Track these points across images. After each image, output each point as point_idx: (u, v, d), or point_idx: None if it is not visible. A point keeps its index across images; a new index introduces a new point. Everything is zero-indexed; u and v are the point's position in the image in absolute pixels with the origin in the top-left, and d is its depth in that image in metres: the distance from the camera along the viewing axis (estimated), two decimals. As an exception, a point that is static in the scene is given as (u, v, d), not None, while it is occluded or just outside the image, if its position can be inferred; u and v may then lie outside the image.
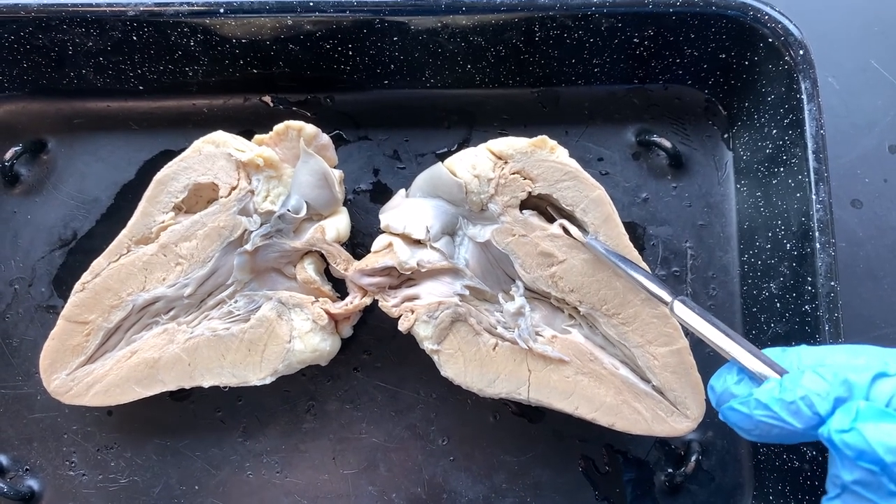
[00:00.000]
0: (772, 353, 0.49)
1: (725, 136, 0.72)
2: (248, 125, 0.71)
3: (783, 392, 0.45)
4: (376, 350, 0.69)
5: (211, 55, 0.68)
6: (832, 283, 0.59)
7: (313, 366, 0.66)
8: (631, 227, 0.70)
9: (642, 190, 0.71)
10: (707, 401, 0.60)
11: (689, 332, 0.65)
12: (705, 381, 0.60)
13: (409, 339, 0.64)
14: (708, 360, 0.67)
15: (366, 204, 0.71)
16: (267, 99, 0.72)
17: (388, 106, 0.72)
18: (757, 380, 0.47)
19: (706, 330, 0.51)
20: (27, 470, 0.67)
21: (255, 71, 0.70)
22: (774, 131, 0.65)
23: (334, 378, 0.68)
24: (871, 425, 0.41)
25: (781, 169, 0.64)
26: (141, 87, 0.72)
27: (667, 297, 0.54)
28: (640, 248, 0.70)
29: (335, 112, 0.72)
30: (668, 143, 0.70)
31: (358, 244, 0.70)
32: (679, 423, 0.60)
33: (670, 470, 0.67)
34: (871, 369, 0.44)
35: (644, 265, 0.60)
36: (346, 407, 0.68)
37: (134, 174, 0.71)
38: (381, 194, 0.71)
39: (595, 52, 0.68)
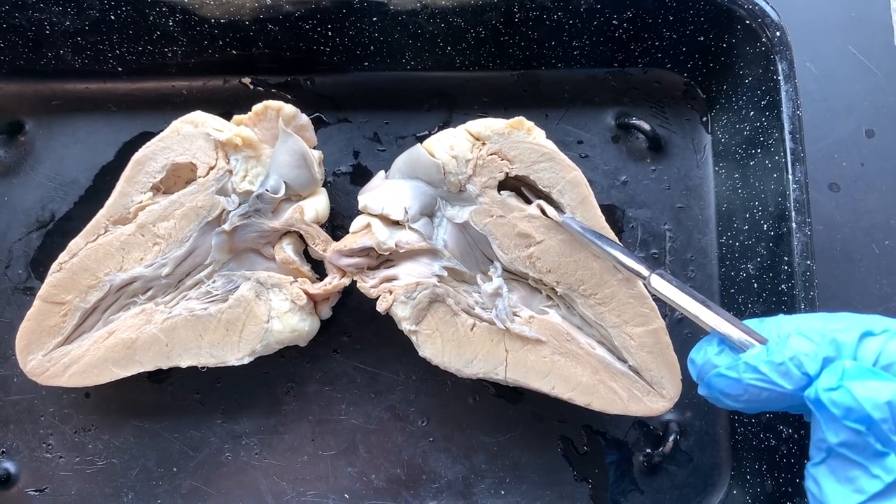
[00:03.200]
0: (750, 323, 0.49)
1: (704, 119, 0.72)
2: (228, 107, 0.71)
3: (771, 354, 0.45)
4: (356, 332, 0.69)
5: (190, 36, 0.68)
6: (808, 263, 0.60)
7: (293, 348, 0.66)
8: (610, 210, 0.70)
9: (621, 173, 0.71)
10: (684, 381, 0.61)
11: (667, 312, 0.66)
12: (682, 362, 0.61)
13: (389, 322, 0.64)
14: (686, 340, 0.67)
15: (346, 186, 0.71)
16: (246, 81, 0.72)
17: (368, 88, 0.72)
18: (738, 349, 0.47)
19: (684, 302, 0.50)
20: (3, 452, 0.67)
21: (234, 52, 0.70)
22: (752, 113, 0.66)
23: (314, 360, 0.68)
24: (859, 383, 0.42)
25: (759, 150, 0.65)
26: (120, 69, 0.71)
27: (644, 271, 0.54)
28: (619, 231, 0.70)
29: (315, 94, 0.72)
30: (647, 126, 0.70)
31: (338, 226, 0.70)
32: (655, 402, 0.60)
33: (648, 450, 0.67)
34: (858, 329, 0.44)
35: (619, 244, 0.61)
36: (325, 389, 0.68)
37: (113, 156, 0.71)
38: (361, 177, 0.71)
39: (574, 35, 0.69)
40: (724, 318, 0.49)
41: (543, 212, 0.61)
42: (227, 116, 0.64)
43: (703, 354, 0.49)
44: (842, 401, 0.42)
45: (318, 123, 0.71)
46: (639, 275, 0.54)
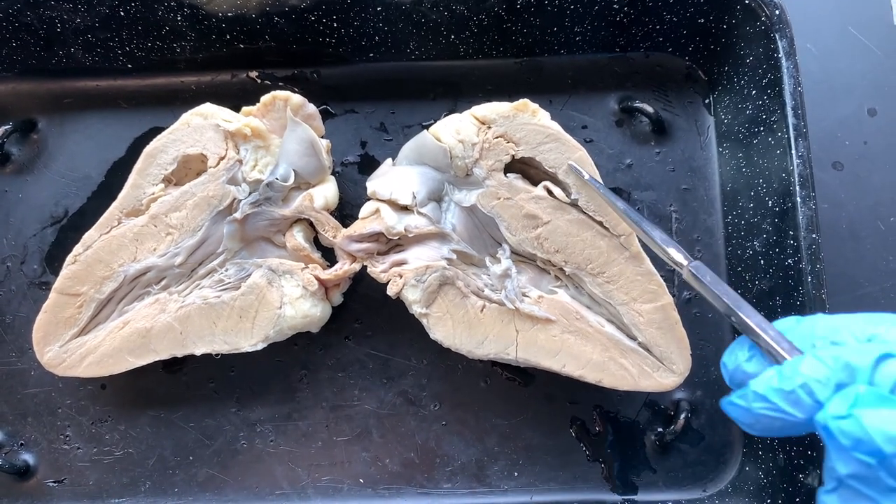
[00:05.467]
0: (786, 323, 0.46)
1: (706, 101, 0.73)
2: (236, 101, 0.71)
3: (782, 381, 0.42)
4: (367, 318, 0.69)
5: (198, 30, 0.69)
6: (813, 236, 0.60)
7: (305, 335, 0.67)
8: (616, 193, 0.71)
9: (626, 156, 0.72)
10: (693, 357, 0.62)
11: (675, 290, 0.67)
12: (691, 337, 0.62)
13: (400, 308, 0.65)
14: (695, 320, 0.68)
15: (354, 176, 0.72)
16: (254, 74, 0.73)
17: (373, 79, 0.73)
18: (769, 357, 0.45)
19: (712, 298, 0.48)
20: (22, 445, 0.68)
21: (241, 46, 0.71)
22: (754, 92, 0.66)
23: (326, 347, 0.69)
24: (871, 412, 0.38)
25: (762, 129, 0.65)
26: (129, 66, 0.73)
27: (683, 260, 0.51)
28: (626, 213, 0.71)
29: (321, 86, 0.73)
30: (650, 109, 0.71)
31: (346, 215, 0.71)
32: (665, 377, 0.61)
33: (660, 429, 0.67)
34: (877, 351, 0.40)
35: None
36: (338, 375, 0.69)
37: (124, 151, 0.72)
38: (369, 166, 0.72)
39: (576, 20, 0.69)
40: (755, 321, 0.45)
41: (550, 192, 0.62)
42: (236, 110, 0.65)
43: (734, 359, 0.47)
44: (851, 431, 0.38)
45: (325, 115, 0.72)
46: (676, 264, 0.52)
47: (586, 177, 0.61)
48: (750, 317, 0.46)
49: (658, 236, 0.54)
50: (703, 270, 0.49)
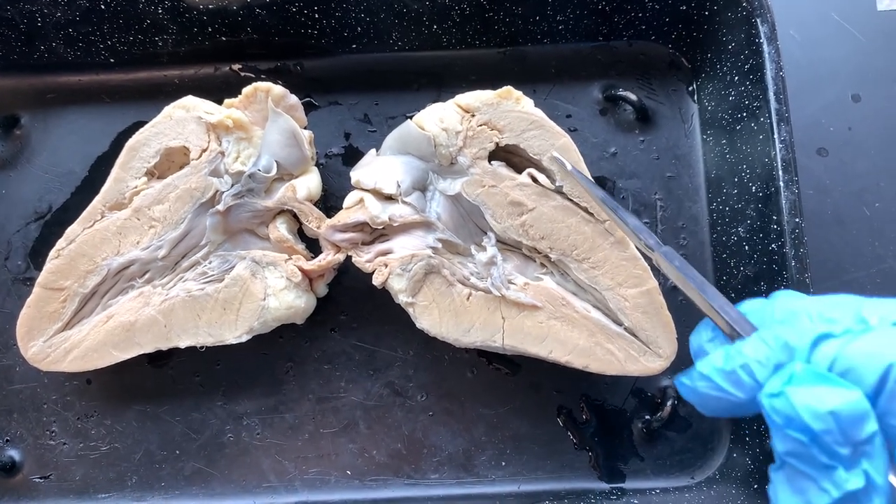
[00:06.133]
0: (751, 304, 0.46)
1: (690, 88, 0.73)
2: (219, 94, 0.71)
3: (725, 361, 0.42)
4: (352, 310, 0.69)
5: (179, 23, 0.69)
6: (797, 220, 0.60)
7: (290, 327, 0.67)
8: (600, 182, 0.71)
9: (610, 145, 0.72)
10: (680, 342, 0.61)
11: (661, 278, 0.67)
12: (677, 324, 0.62)
13: (386, 299, 0.64)
14: (681, 307, 0.68)
15: (338, 167, 0.72)
16: (237, 67, 0.73)
17: (356, 70, 0.73)
18: (728, 337, 0.45)
19: (682, 283, 0.48)
20: (7, 441, 0.67)
21: (223, 39, 0.71)
22: (737, 78, 0.67)
23: (312, 339, 0.69)
24: (801, 389, 0.38)
25: (745, 114, 0.65)
26: (112, 60, 0.72)
27: (654, 245, 0.51)
28: (611, 202, 0.71)
29: (305, 78, 0.73)
30: (633, 97, 0.71)
31: (331, 207, 0.71)
32: (652, 361, 0.61)
33: (647, 417, 0.67)
34: (816, 331, 0.40)
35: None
36: (324, 367, 0.68)
37: (108, 146, 0.72)
38: (353, 157, 0.72)
39: (558, 8, 0.69)
40: (717, 304, 0.45)
41: (535, 179, 0.62)
42: (220, 103, 0.65)
43: (698, 339, 0.48)
44: (782, 408, 0.38)
45: (308, 107, 0.72)
46: (647, 249, 0.52)
47: (569, 167, 0.60)
48: (712, 298, 0.46)
49: (632, 223, 0.54)
50: (671, 255, 0.49)
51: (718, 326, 0.46)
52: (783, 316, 0.43)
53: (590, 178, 0.62)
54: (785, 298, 0.45)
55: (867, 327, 0.39)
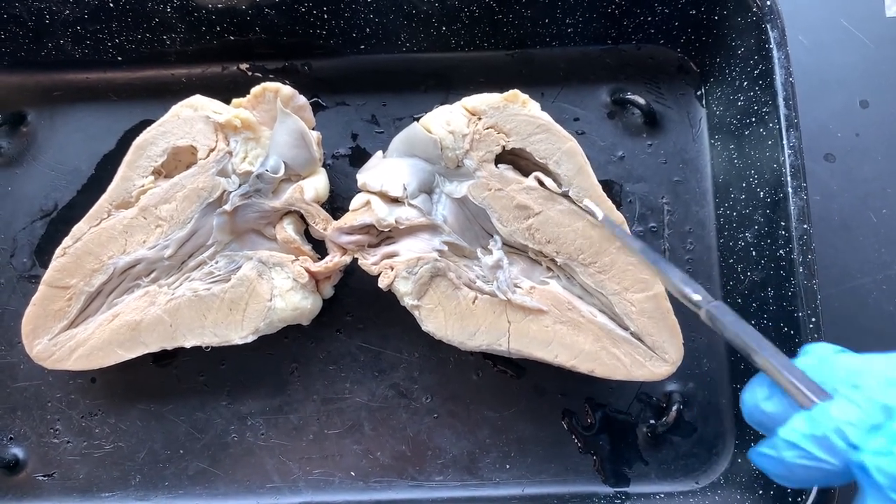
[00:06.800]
0: (806, 362, 0.43)
1: (698, 92, 0.73)
2: (227, 93, 0.70)
3: (813, 426, 0.39)
4: (358, 312, 0.69)
5: (188, 22, 0.69)
6: (805, 227, 0.60)
7: (296, 328, 0.67)
8: (608, 185, 0.71)
9: (618, 148, 0.72)
10: (685, 348, 0.61)
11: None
12: (683, 330, 0.62)
13: (391, 301, 0.64)
14: (689, 313, 0.67)
15: (345, 168, 0.72)
16: (244, 67, 0.73)
17: (364, 71, 0.73)
18: (790, 398, 0.42)
19: (733, 338, 0.46)
20: (11, 438, 0.67)
21: (231, 38, 0.71)
22: (745, 83, 0.66)
23: (317, 340, 0.69)
24: None
25: (753, 120, 0.65)
26: (119, 58, 0.72)
27: (699, 299, 0.49)
28: (618, 205, 0.70)
29: (312, 79, 0.73)
30: (642, 101, 0.71)
31: (338, 208, 0.71)
32: (658, 367, 0.61)
33: (652, 421, 0.67)
34: None
35: (620, 216, 0.61)
36: (329, 368, 0.68)
37: (114, 144, 0.72)
38: (360, 159, 0.71)
39: (568, 11, 0.69)
40: (779, 362, 0.43)
41: (541, 183, 0.62)
42: (227, 103, 0.65)
43: (753, 396, 0.45)
44: (890, 468, 0.36)
45: (315, 107, 0.72)
46: (694, 304, 0.50)
47: (600, 216, 0.60)
48: (773, 357, 0.43)
49: (677, 276, 0.51)
50: (723, 310, 0.47)
51: (778, 385, 0.43)
52: (846, 375, 0.41)
53: (595, 181, 0.62)
54: (843, 359, 0.43)
55: None
